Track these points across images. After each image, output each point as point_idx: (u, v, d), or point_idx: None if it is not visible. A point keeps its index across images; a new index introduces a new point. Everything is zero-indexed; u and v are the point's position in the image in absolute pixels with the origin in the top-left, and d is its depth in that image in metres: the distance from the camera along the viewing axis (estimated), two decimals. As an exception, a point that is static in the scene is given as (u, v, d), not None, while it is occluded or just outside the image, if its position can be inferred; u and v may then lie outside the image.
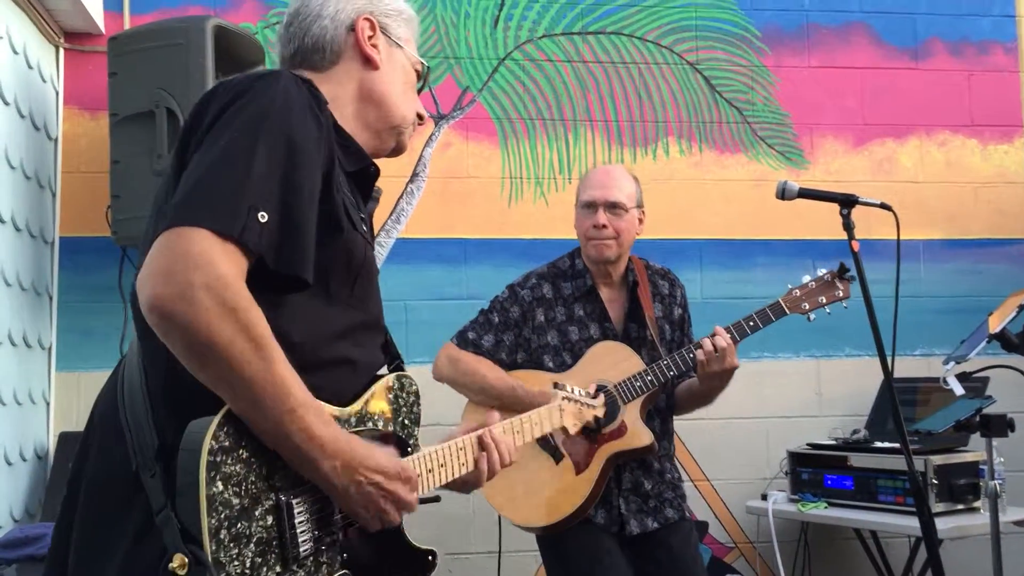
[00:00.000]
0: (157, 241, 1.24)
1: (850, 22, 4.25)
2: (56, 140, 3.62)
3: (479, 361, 2.82)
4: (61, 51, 3.66)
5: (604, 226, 2.79)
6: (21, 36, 3.27)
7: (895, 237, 2.43)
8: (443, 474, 1.55)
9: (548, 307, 2.86)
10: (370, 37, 1.63)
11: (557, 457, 2.75)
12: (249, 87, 1.37)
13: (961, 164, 4.27)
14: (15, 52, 3.22)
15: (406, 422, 1.53)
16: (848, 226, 2.44)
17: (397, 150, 1.70)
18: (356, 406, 1.45)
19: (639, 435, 2.75)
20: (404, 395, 1.54)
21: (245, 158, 1.29)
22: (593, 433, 2.05)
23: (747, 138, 4.14)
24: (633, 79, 4.09)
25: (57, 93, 3.64)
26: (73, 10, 3.49)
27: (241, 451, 1.25)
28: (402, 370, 1.61)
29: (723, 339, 2.65)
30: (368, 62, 1.63)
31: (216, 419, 1.23)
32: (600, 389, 2.75)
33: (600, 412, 2.10)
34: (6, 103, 3.13)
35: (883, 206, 2.46)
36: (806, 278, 2.85)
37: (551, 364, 2.82)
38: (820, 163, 4.17)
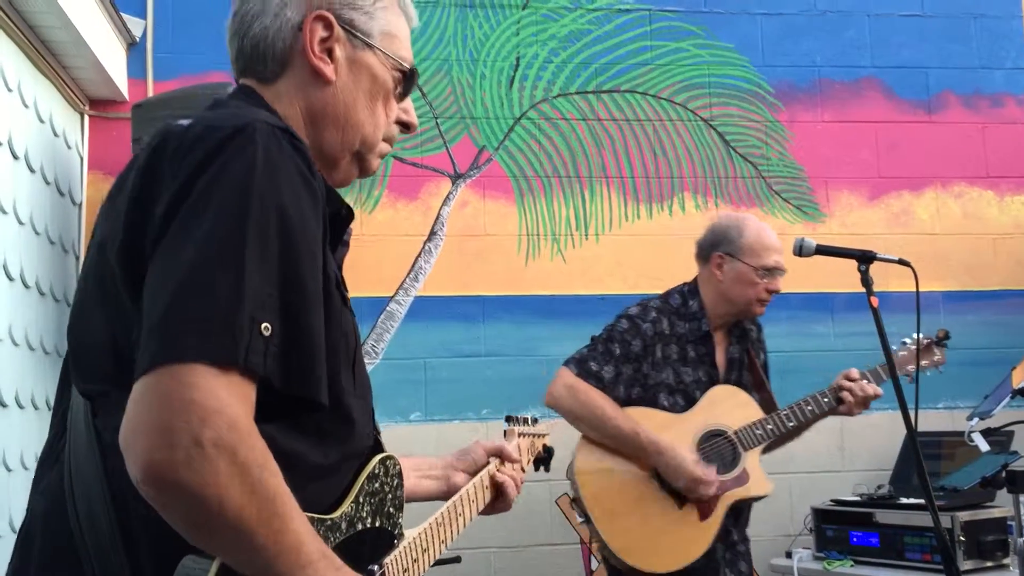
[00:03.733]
0: (143, 385, 0.97)
1: (862, 77, 4.29)
2: (80, 205, 3.68)
3: (603, 397, 2.74)
4: (86, 118, 3.73)
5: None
6: (47, 105, 3.35)
7: (913, 290, 2.43)
8: (427, 559, 1.47)
9: (666, 343, 2.83)
10: (324, 40, 1.27)
11: (680, 502, 2.73)
12: (217, 150, 1.06)
13: (978, 216, 4.26)
14: (41, 121, 3.29)
15: (391, 510, 1.38)
16: (866, 283, 2.43)
17: (363, 175, 1.37)
18: (344, 507, 1.24)
19: (761, 483, 2.80)
20: (388, 480, 1.38)
21: (234, 255, 1.01)
22: (545, 463, 2.02)
23: (762, 192, 4.16)
24: (648, 136, 4.13)
25: (82, 159, 3.71)
26: (98, 78, 3.57)
27: None
28: (379, 442, 1.40)
29: (873, 388, 2.80)
30: (317, 76, 1.27)
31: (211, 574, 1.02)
32: (720, 434, 2.79)
33: (548, 440, 2.05)
34: (32, 171, 3.19)
35: (901, 262, 2.46)
36: (907, 340, 2.94)
37: (666, 403, 2.80)
38: (836, 216, 4.18)
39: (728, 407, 2.81)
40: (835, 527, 3.53)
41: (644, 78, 4.17)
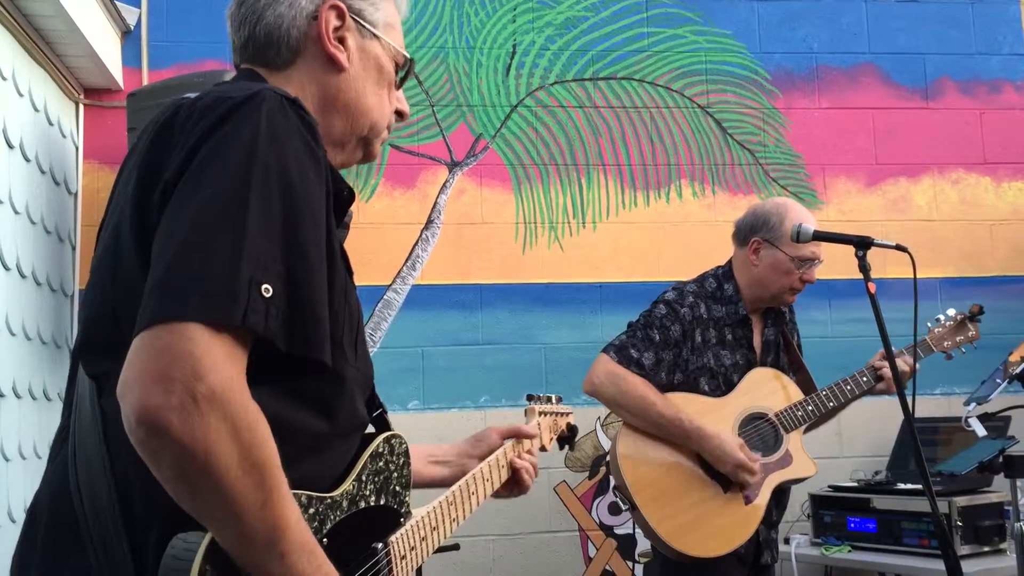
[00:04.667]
0: (143, 339, 0.99)
1: (859, 63, 4.28)
2: (76, 194, 3.67)
3: (645, 384, 2.72)
4: (81, 107, 3.72)
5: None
6: (42, 93, 3.34)
7: (911, 276, 2.42)
8: (436, 537, 1.49)
9: (705, 327, 2.82)
10: (337, 29, 1.32)
11: (725, 486, 2.72)
12: (225, 117, 1.09)
13: (975, 202, 4.26)
14: (36, 109, 3.28)
15: (397, 488, 1.38)
16: (864, 268, 2.43)
17: (365, 160, 1.42)
18: (346, 485, 1.25)
19: (805, 465, 2.80)
20: (394, 458, 1.38)
21: (235, 217, 1.03)
22: (568, 442, 2.03)
23: (760, 179, 4.16)
24: (645, 123, 4.13)
25: (77, 148, 3.70)
26: (93, 67, 3.56)
27: None
28: (386, 421, 1.43)
29: (906, 363, 2.74)
30: (332, 63, 1.32)
31: (200, 552, 1.01)
32: (761, 417, 2.79)
33: (571, 418, 2.05)
34: (27, 159, 3.18)
35: (899, 248, 2.45)
36: (941, 317, 2.96)
37: (707, 387, 2.79)
38: (834, 203, 4.18)
39: (768, 390, 2.81)
40: (832, 513, 3.54)
41: (641, 65, 4.16)
